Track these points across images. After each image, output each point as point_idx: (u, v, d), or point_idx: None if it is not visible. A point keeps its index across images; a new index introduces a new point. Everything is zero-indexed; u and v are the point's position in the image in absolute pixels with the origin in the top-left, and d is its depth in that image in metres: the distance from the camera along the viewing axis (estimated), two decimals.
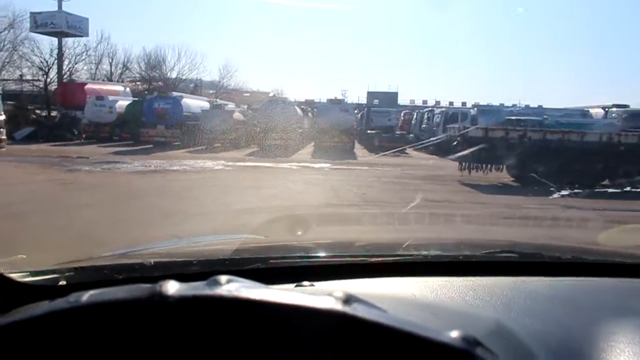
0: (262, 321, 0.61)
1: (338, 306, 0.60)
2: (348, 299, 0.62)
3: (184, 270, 1.23)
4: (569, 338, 0.93)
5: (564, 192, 10.54)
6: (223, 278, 0.63)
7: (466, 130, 14.50)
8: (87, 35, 38.62)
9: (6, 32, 36.36)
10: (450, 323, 0.93)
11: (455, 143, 13.62)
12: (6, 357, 0.61)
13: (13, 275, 1.07)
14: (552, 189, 10.48)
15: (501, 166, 14.05)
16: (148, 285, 0.62)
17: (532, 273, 1.31)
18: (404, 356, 0.61)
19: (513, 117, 17.04)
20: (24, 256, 1.47)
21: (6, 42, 36.56)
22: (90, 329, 0.62)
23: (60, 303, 0.63)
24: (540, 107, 30.26)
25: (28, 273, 1.13)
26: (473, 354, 0.61)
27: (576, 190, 10.88)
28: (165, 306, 0.60)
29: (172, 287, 0.61)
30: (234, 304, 0.61)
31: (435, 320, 0.96)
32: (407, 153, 22.31)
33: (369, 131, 28.28)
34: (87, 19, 37.84)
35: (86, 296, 0.63)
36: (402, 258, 1.38)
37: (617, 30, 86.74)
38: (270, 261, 1.30)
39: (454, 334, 0.62)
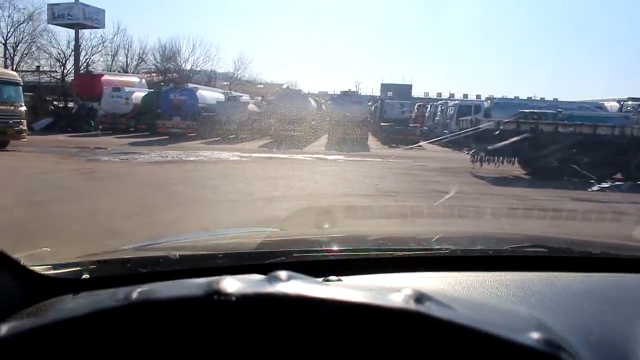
0: (330, 319, 0.58)
1: (411, 305, 0.57)
2: (420, 297, 0.59)
3: (209, 264, 1.18)
4: (608, 335, 0.90)
5: (604, 185, 10.58)
6: (283, 274, 0.60)
7: (507, 122, 14.52)
8: (103, 27, 39.15)
9: (25, 24, 36.98)
10: (494, 322, 0.93)
11: (495, 134, 13.41)
12: (50, 357, 0.58)
13: (36, 269, 1.05)
14: (592, 181, 10.51)
15: (513, 159, 14.11)
16: (203, 282, 0.59)
17: (561, 268, 1.27)
18: (482, 358, 0.57)
19: (527, 110, 16.95)
20: (49, 249, 1.44)
21: (25, 35, 37.20)
22: (142, 329, 0.58)
23: (106, 300, 0.59)
24: (555, 100, 30.03)
25: (51, 266, 1.12)
26: (560, 357, 0.58)
27: (618, 183, 10.81)
28: (227, 305, 0.56)
29: (230, 285, 0.57)
30: (299, 302, 0.57)
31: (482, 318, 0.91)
32: (420, 146, 22.34)
33: (382, 124, 28.26)
34: (103, 11, 38.37)
35: (136, 293, 0.59)
36: (430, 252, 1.33)
37: (634, 23, 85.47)
38: (295, 255, 1.25)
39: (536, 335, 0.59)
